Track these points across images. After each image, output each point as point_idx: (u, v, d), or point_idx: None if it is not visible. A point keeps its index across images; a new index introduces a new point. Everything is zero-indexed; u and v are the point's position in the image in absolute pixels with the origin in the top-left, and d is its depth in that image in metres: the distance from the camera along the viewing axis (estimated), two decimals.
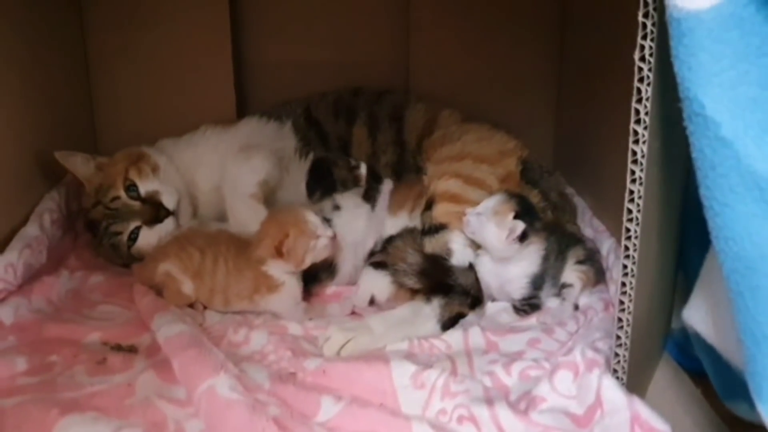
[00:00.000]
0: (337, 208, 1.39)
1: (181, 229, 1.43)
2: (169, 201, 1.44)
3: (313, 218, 1.26)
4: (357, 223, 1.38)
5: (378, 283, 1.31)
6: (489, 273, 1.25)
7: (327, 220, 1.34)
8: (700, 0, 0.64)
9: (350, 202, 1.40)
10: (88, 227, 1.48)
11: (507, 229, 1.17)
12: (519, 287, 1.23)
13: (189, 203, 1.53)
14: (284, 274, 1.27)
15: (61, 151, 1.43)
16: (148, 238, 1.42)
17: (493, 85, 1.79)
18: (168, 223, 1.44)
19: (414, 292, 1.27)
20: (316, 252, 1.26)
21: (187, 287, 1.27)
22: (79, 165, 1.45)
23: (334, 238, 1.28)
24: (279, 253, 1.23)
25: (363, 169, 1.43)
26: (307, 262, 1.26)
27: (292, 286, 1.28)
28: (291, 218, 1.26)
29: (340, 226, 1.35)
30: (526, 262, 1.22)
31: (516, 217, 1.18)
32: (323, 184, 1.40)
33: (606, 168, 1.40)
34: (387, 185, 1.43)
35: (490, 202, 1.20)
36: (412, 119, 1.60)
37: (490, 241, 1.20)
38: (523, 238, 1.18)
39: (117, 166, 1.45)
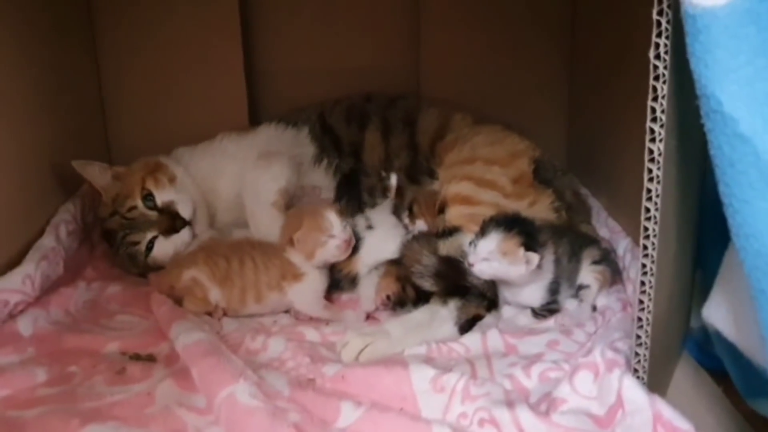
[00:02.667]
0: (370, 227, 1.38)
1: (204, 240, 1.45)
2: (185, 211, 1.45)
3: (332, 217, 1.28)
4: (390, 245, 1.36)
5: (371, 282, 1.33)
6: (504, 288, 1.24)
7: (360, 238, 1.35)
8: None
9: (385, 223, 1.39)
10: (105, 237, 1.49)
11: (523, 265, 1.14)
12: (537, 297, 1.22)
13: (206, 212, 1.53)
14: (305, 264, 1.29)
15: (78, 160, 1.44)
16: (165, 248, 1.43)
17: (505, 87, 1.79)
18: (184, 234, 1.44)
19: (399, 281, 1.28)
20: (327, 250, 1.27)
21: (214, 295, 1.29)
22: (97, 174, 1.46)
23: (349, 241, 1.29)
24: (291, 242, 1.27)
25: (393, 180, 1.43)
26: (318, 257, 1.28)
27: (315, 279, 1.30)
28: (310, 212, 1.30)
29: (371, 244, 1.36)
30: (540, 275, 1.20)
31: (525, 247, 1.13)
32: (349, 191, 1.41)
33: (620, 167, 1.40)
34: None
35: (492, 243, 1.13)
36: (424, 123, 1.60)
37: (511, 278, 1.18)
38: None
39: (134, 176, 1.46)
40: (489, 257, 1.14)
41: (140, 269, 1.45)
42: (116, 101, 1.75)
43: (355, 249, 1.34)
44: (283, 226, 1.33)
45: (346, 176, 1.50)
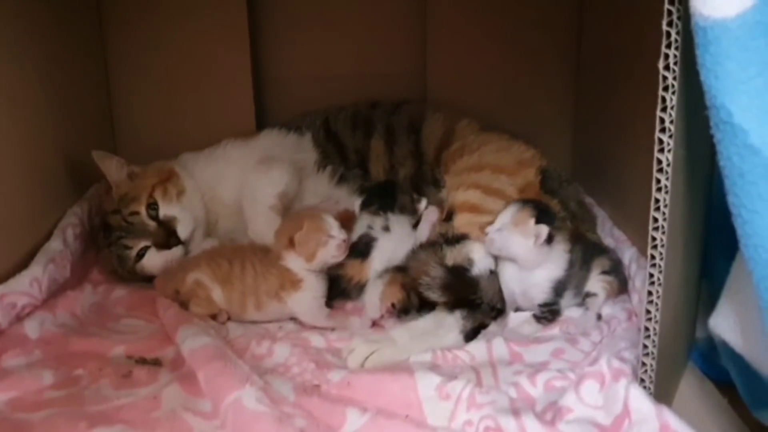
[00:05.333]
0: (386, 229, 1.37)
1: (207, 248, 1.44)
2: (183, 231, 1.46)
3: (329, 219, 1.29)
4: (402, 250, 1.36)
5: (376, 289, 1.32)
6: (512, 279, 1.24)
7: (374, 239, 1.35)
8: (726, 8, 0.65)
9: (402, 229, 1.38)
10: (102, 228, 1.48)
11: (533, 236, 1.17)
12: (542, 291, 1.22)
13: (204, 228, 1.54)
14: (303, 270, 1.29)
15: (99, 150, 1.45)
16: (154, 260, 1.43)
17: (511, 95, 1.80)
18: (175, 251, 1.45)
19: (404, 289, 1.28)
20: (327, 251, 1.27)
21: (217, 295, 1.29)
22: (113, 168, 1.46)
23: (346, 241, 1.29)
24: (291, 243, 1.27)
25: (423, 204, 1.45)
26: (319, 259, 1.28)
27: (314, 285, 1.29)
28: (308, 214, 1.31)
29: (384, 248, 1.35)
30: (553, 264, 1.22)
31: (537, 220, 1.18)
32: (383, 200, 1.40)
33: (625, 177, 1.40)
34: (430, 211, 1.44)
35: (507, 215, 1.20)
36: (429, 130, 1.61)
37: (519, 252, 1.19)
38: (549, 239, 1.18)
39: (146, 180, 1.47)
40: (502, 227, 1.18)
41: (126, 273, 1.45)
42: (125, 107, 1.76)
43: (367, 254, 1.34)
44: (279, 229, 1.32)
45: (383, 185, 1.50)
